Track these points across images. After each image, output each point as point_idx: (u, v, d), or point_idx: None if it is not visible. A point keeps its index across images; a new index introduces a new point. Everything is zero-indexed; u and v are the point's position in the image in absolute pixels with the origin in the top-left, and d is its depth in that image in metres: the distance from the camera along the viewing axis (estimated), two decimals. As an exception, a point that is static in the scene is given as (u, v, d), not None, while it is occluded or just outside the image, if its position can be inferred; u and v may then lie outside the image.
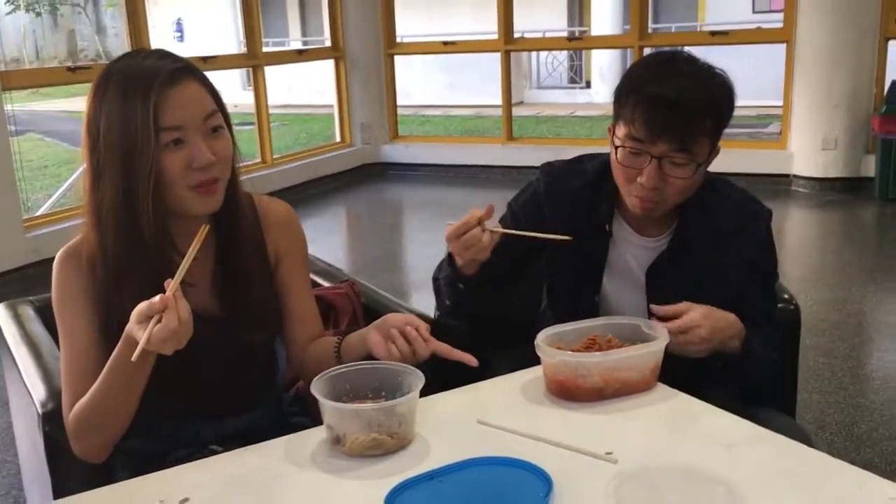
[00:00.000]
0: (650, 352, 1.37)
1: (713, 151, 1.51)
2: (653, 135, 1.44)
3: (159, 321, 1.17)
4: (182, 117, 1.31)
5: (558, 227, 1.61)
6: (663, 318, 1.44)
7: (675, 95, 1.42)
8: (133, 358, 1.17)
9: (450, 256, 1.54)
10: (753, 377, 1.55)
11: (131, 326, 1.21)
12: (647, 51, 6.78)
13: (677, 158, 1.45)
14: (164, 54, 1.36)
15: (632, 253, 1.62)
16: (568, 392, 1.36)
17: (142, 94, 1.29)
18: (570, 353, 1.38)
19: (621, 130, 1.50)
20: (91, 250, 1.37)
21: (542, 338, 1.39)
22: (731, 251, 1.59)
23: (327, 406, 1.21)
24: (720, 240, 1.59)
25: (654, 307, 1.46)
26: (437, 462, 1.16)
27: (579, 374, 1.34)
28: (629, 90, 1.48)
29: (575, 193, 1.62)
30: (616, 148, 1.51)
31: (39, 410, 1.43)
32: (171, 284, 1.20)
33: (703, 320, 1.43)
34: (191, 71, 1.35)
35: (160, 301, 1.18)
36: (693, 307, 1.44)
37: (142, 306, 1.19)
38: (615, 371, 1.35)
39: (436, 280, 1.67)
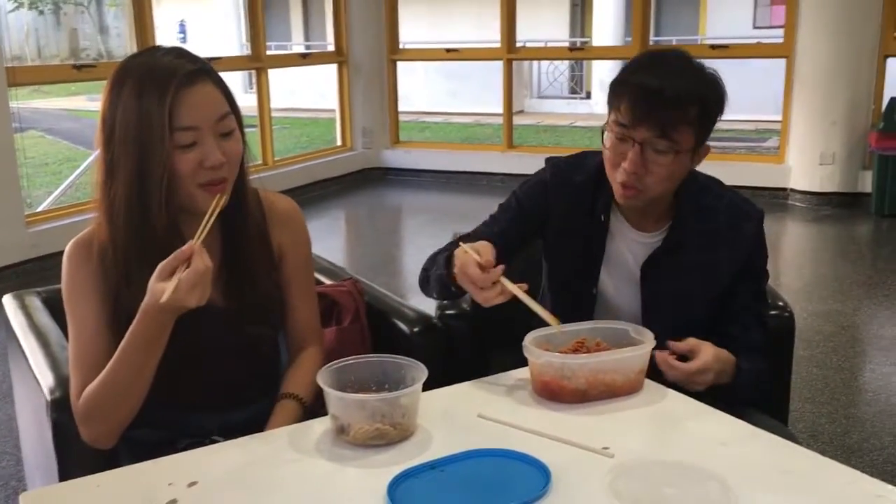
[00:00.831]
0: (635, 355, 1.40)
1: (701, 147, 1.55)
2: (635, 120, 1.49)
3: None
4: (196, 118, 1.34)
5: (560, 215, 1.68)
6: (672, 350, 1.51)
7: (659, 83, 1.47)
8: (163, 300, 1.21)
9: (448, 259, 1.55)
10: (743, 397, 1.58)
11: (153, 283, 1.24)
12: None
13: (659, 145, 1.49)
14: (181, 53, 1.38)
15: (628, 248, 1.66)
16: (552, 393, 1.38)
17: (158, 93, 1.31)
18: (556, 354, 1.41)
19: (610, 118, 1.55)
20: (102, 242, 1.40)
21: (529, 339, 1.42)
22: (723, 250, 1.64)
23: (332, 396, 1.24)
24: (713, 239, 1.63)
25: (670, 343, 1.51)
26: (438, 453, 1.19)
27: (564, 375, 1.37)
28: (620, 80, 1.54)
29: (577, 186, 1.67)
30: (603, 132, 1.57)
31: (48, 397, 1.45)
32: (193, 241, 1.24)
33: (714, 363, 1.49)
34: (207, 72, 1.37)
35: (187, 247, 1.23)
36: (703, 347, 1.50)
37: (165, 262, 1.24)
38: (600, 373, 1.37)
39: (426, 271, 1.69)
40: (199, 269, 1.23)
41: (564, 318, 1.46)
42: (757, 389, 1.59)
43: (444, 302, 1.90)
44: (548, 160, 1.75)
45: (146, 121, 1.31)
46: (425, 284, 1.70)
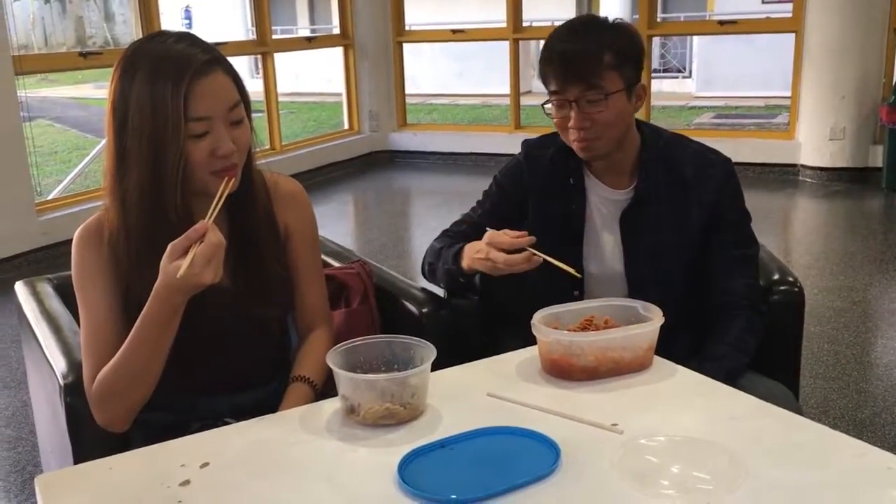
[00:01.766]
0: (644, 332, 1.40)
1: (634, 86, 1.64)
2: (563, 83, 1.62)
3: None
4: (210, 108, 1.34)
5: (538, 189, 1.78)
6: None
7: (572, 45, 1.62)
8: (179, 275, 1.22)
9: (456, 255, 1.64)
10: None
11: (166, 263, 1.25)
12: (655, 40, 6.78)
13: (590, 95, 1.61)
14: (193, 41, 1.37)
15: (605, 206, 1.75)
16: (562, 370, 1.39)
17: (173, 82, 1.31)
18: (564, 332, 1.41)
19: (548, 90, 1.66)
20: (112, 229, 1.40)
21: (538, 318, 1.43)
22: (692, 194, 1.72)
23: (342, 377, 1.25)
24: (682, 187, 1.72)
25: None
26: (448, 431, 1.20)
27: (573, 352, 1.37)
28: (542, 56, 1.66)
29: (549, 159, 1.78)
30: (543, 105, 1.69)
31: (61, 382, 1.47)
32: (205, 220, 1.26)
33: None
34: (219, 61, 1.37)
35: (200, 225, 1.24)
36: None
37: (177, 241, 1.24)
38: (608, 350, 1.38)
39: (431, 265, 1.78)
40: (213, 242, 1.24)
41: (558, 284, 1.53)
42: (736, 367, 1.60)
43: (441, 286, 1.91)
44: (522, 143, 1.86)
45: (161, 110, 1.31)
46: (431, 276, 1.81)
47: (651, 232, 1.72)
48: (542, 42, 1.69)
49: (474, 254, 1.58)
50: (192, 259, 1.22)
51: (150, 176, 1.34)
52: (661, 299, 1.48)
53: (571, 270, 1.49)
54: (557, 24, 1.73)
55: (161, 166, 1.33)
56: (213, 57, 1.36)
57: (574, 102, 1.61)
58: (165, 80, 1.31)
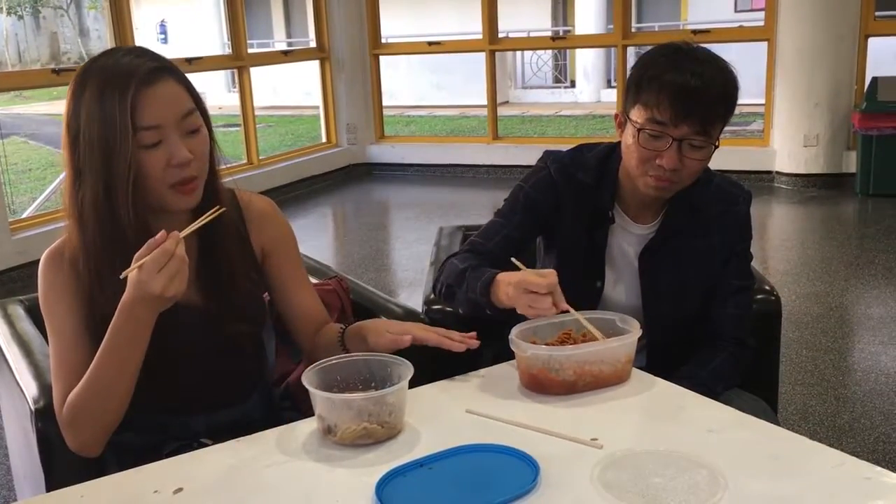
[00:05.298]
0: (622, 345, 1.40)
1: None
2: (677, 118, 1.50)
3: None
4: (159, 116, 1.32)
5: (568, 213, 1.67)
6: None
7: (699, 82, 1.49)
8: (125, 275, 1.22)
9: (488, 284, 1.52)
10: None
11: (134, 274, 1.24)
12: (630, 50, 6.83)
13: (696, 141, 1.52)
14: (141, 52, 1.36)
15: (627, 240, 1.68)
16: (541, 385, 1.38)
17: (119, 93, 1.30)
18: (542, 346, 1.41)
19: (641, 115, 1.54)
20: (73, 248, 1.38)
21: (515, 332, 1.42)
22: (716, 236, 1.67)
23: (318, 396, 1.23)
24: (705, 224, 1.66)
25: None
26: (426, 450, 1.18)
27: (551, 367, 1.37)
28: (651, 76, 1.53)
29: (580, 183, 1.68)
30: (638, 131, 1.54)
31: (32, 407, 1.44)
32: (175, 233, 1.24)
33: None
34: (168, 69, 1.35)
35: (160, 235, 1.23)
36: None
37: (140, 250, 1.23)
38: (587, 364, 1.37)
39: (450, 287, 1.64)
40: (167, 249, 1.21)
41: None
42: (721, 383, 1.60)
43: (432, 296, 1.89)
44: (548, 154, 1.73)
45: (109, 122, 1.30)
46: (448, 299, 1.67)
47: (672, 270, 1.66)
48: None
49: (513, 292, 1.44)
50: (140, 264, 1.21)
51: (103, 189, 1.32)
52: (679, 336, 1.46)
53: (597, 334, 1.43)
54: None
55: (112, 177, 1.31)
56: (160, 65, 1.34)
57: (678, 141, 1.51)
58: (112, 91, 1.30)
